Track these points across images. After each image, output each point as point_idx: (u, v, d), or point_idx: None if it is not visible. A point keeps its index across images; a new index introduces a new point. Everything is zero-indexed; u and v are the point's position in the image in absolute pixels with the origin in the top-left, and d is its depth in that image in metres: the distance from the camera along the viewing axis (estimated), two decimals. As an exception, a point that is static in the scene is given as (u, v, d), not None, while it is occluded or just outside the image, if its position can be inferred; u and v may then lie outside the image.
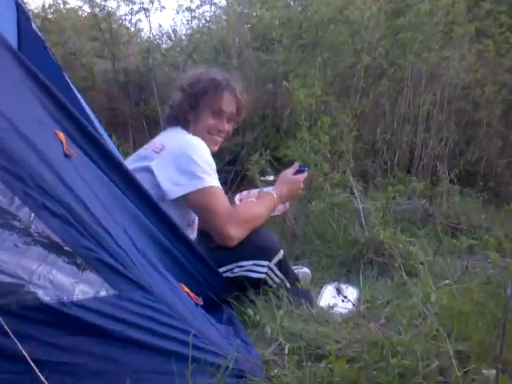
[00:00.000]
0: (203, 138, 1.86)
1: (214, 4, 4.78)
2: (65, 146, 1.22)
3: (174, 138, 1.86)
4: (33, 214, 1.05)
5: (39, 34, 1.93)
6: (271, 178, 2.05)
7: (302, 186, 1.98)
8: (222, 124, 1.93)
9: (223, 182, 3.86)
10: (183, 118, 1.90)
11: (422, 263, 2.09)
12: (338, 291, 1.55)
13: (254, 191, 2.09)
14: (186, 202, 1.75)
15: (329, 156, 3.17)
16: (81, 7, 4.85)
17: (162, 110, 4.30)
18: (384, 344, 1.24)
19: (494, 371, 1.12)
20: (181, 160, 1.73)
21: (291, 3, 4.42)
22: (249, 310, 1.69)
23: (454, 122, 3.82)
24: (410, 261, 2.14)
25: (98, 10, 4.56)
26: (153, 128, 4.47)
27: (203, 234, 1.93)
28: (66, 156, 1.21)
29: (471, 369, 1.18)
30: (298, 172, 1.97)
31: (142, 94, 4.79)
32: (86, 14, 4.88)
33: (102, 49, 4.64)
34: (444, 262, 2.14)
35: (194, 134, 1.85)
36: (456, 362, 1.15)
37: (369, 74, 4.08)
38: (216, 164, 1.82)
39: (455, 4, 3.90)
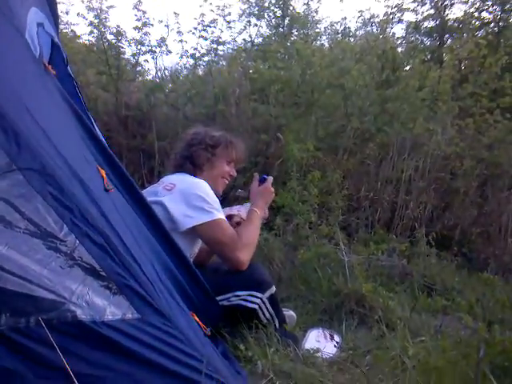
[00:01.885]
0: (216, 182, 2.15)
1: (218, 55, 5.05)
2: (105, 180, 1.38)
3: (183, 180, 2.08)
4: (77, 241, 1.20)
5: (71, 73, 2.10)
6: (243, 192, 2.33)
7: (273, 189, 2.18)
8: (233, 170, 2.22)
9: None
10: (195, 166, 2.14)
11: (399, 318, 2.26)
12: (332, 337, 1.70)
13: (235, 207, 2.32)
14: (196, 233, 1.94)
15: (316, 207, 3.39)
16: (91, 42, 5.05)
17: (159, 147, 4.52)
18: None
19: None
20: (191, 197, 1.94)
21: (292, 64, 4.72)
22: (241, 345, 1.82)
23: (433, 189, 4.09)
24: (389, 315, 2.30)
25: (107, 45, 4.77)
26: (146, 160, 4.67)
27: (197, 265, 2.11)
28: (106, 190, 1.37)
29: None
30: (262, 181, 2.19)
31: (139, 129, 4.98)
32: (94, 47, 5.06)
33: (107, 83, 4.84)
34: (419, 319, 2.31)
35: (206, 179, 2.08)
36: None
37: (357, 136, 4.37)
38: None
39: (441, 83, 4.25)
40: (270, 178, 2.20)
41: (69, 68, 2.05)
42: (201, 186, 1.99)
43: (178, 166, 2.19)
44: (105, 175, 1.38)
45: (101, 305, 1.19)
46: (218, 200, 2.01)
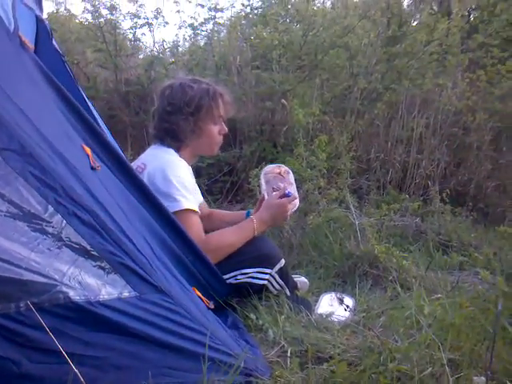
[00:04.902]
0: (208, 148, 2.00)
1: (218, 23, 4.90)
2: (91, 159, 1.32)
3: (157, 158, 1.88)
4: (64, 221, 1.15)
5: (58, 48, 2.02)
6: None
7: (289, 212, 1.92)
8: (223, 126, 2.00)
9: (220, 191, 4.00)
10: (178, 140, 1.92)
11: (414, 277, 2.20)
12: (341, 301, 1.65)
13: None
14: None
15: (325, 172, 3.31)
16: (87, 19, 4.93)
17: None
18: (382, 350, 1.34)
19: (484, 378, 1.23)
20: (160, 181, 1.78)
21: (293, 26, 4.56)
22: (251, 314, 1.78)
23: (445, 145, 3.96)
24: (403, 274, 2.24)
25: (103, 21, 4.65)
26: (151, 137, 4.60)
27: None
28: (92, 168, 1.31)
29: (462, 376, 1.29)
30: (285, 196, 1.92)
31: (141, 105, 4.90)
32: (90, 25, 4.93)
33: (105, 59, 4.74)
34: (435, 276, 2.24)
35: (195, 150, 1.96)
36: (448, 370, 1.26)
37: (364, 96, 4.23)
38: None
39: (449, 35, 4.07)
40: (293, 198, 1.92)
41: (54, 43, 1.98)
42: (172, 169, 1.81)
43: (158, 138, 1.96)
44: (90, 153, 1.32)
45: (95, 285, 1.16)
46: (191, 185, 1.85)
